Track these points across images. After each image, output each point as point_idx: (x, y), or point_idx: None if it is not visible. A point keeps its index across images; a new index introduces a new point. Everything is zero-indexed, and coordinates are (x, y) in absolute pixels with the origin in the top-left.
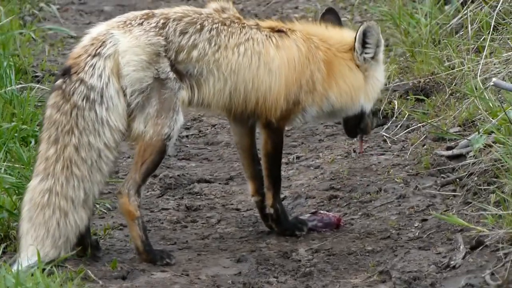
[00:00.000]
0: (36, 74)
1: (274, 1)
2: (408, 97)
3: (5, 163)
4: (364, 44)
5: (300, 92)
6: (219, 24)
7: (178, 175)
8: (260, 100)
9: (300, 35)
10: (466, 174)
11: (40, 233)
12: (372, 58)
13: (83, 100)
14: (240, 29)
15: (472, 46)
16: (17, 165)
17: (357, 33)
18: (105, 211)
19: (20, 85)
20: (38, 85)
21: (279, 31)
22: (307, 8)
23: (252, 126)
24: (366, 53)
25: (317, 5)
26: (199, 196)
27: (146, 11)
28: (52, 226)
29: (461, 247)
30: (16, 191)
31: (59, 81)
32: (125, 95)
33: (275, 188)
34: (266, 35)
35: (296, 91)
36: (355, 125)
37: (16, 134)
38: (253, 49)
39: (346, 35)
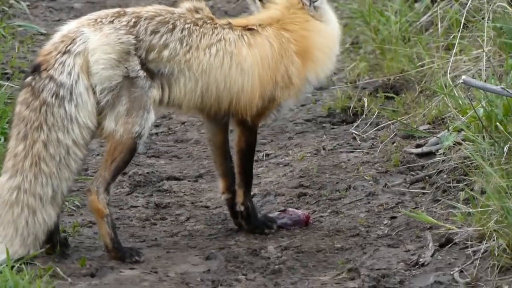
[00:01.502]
0: (6, 71)
1: None
2: (377, 94)
3: None
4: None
5: (276, 89)
6: (191, 25)
7: (147, 173)
8: (233, 100)
9: (271, 30)
10: (436, 172)
11: (9, 231)
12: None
13: (52, 96)
14: (212, 29)
15: (442, 43)
16: None
17: None
18: (74, 208)
19: None
20: (7, 83)
21: (251, 29)
22: None
23: (226, 124)
24: (313, 1)
25: None
26: (168, 194)
27: (118, 9)
28: (20, 224)
29: (430, 245)
30: None
31: (29, 78)
32: (94, 92)
33: (246, 185)
34: (239, 35)
35: (271, 89)
36: None
37: None
38: (225, 49)
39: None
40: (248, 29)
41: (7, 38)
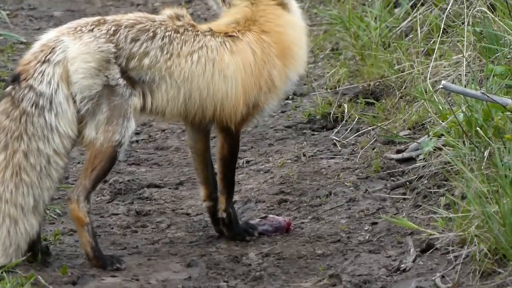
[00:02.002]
0: None
1: None
2: (358, 100)
3: None
4: None
5: (260, 94)
6: (172, 32)
7: (128, 180)
8: (217, 107)
9: (251, 36)
10: (416, 177)
11: None
12: None
13: (32, 106)
14: (194, 36)
15: (422, 49)
16: None
17: None
18: (55, 216)
19: None
20: None
21: (232, 36)
22: None
23: (208, 131)
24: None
25: None
26: (149, 201)
27: (98, 17)
28: (2, 234)
29: (411, 250)
30: None
31: (9, 88)
32: (74, 101)
33: (228, 192)
34: (220, 41)
35: (255, 95)
36: None
37: None
38: (207, 56)
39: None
40: (229, 35)
41: None
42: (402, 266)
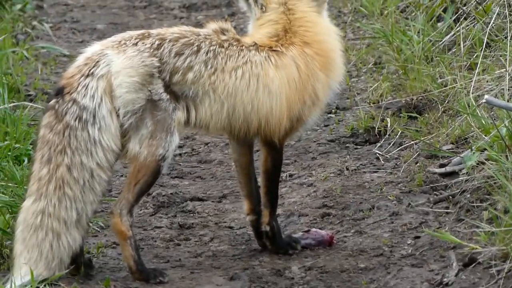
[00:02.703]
0: (29, 92)
1: None
2: (400, 114)
3: None
4: None
5: (304, 108)
6: (217, 46)
7: (171, 193)
8: (262, 122)
9: (295, 51)
10: (459, 191)
11: (34, 255)
12: None
13: (75, 120)
14: (239, 51)
15: (465, 63)
16: (10, 184)
17: None
18: (98, 229)
19: (13, 104)
20: (31, 104)
21: (276, 50)
22: None
23: (251, 144)
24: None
25: None
26: (192, 214)
27: (142, 31)
28: (45, 248)
29: (454, 264)
30: (10, 210)
31: (52, 101)
32: (118, 115)
33: (272, 205)
34: (265, 56)
35: (299, 109)
36: None
37: (9, 153)
38: (251, 72)
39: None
40: (274, 50)
41: (30, 59)
42: (444, 280)
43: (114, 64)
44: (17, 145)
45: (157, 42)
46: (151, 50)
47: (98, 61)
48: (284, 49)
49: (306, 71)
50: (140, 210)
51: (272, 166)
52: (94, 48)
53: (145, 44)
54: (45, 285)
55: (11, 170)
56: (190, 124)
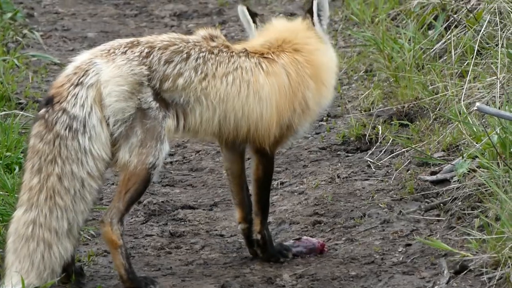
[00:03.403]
0: (20, 101)
1: None
2: (392, 122)
3: None
4: (318, 16)
5: (294, 116)
6: (206, 53)
7: (162, 202)
8: (252, 128)
9: (286, 57)
10: (450, 199)
11: (25, 265)
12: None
13: (65, 129)
14: (229, 58)
15: (456, 70)
16: (1, 193)
17: (312, 7)
18: (89, 237)
19: (3, 112)
20: (22, 112)
21: (267, 57)
22: None
23: (242, 152)
24: (322, 24)
25: None
26: (183, 222)
27: (132, 39)
28: (36, 258)
29: (445, 272)
30: (1, 219)
31: (42, 111)
32: (108, 124)
33: (263, 214)
34: (255, 62)
35: (289, 116)
36: None
37: (0, 162)
38: (242, 78)
39: (289, 24)
40: (264, 57)
41: (21, 68)
42: (436, 287)
43: (103, 73)
44: (8, 154)
45: (146, 50)
46: (140, 59)
47: (87, 70)
48: (276, 57)
49: (297, 78)
50: (131, 218)
51: (263, 174)
52: (83, 57)
53: (134, 53)
54: None
55: (2, 178)
56: (179, 130)
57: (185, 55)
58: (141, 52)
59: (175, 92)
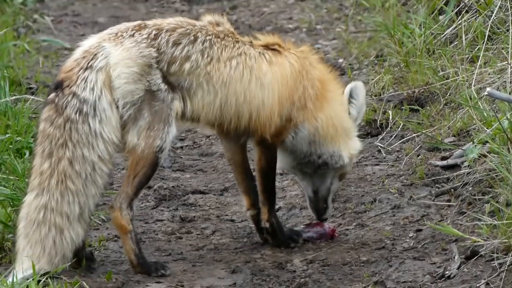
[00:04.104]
0: (30, 85)
1: (268, 12)
2: (402, 107)
3: None
4: (349, 101)
5: (293, 109)
6: (213, 36)
7: (172, 186)
8: (253, 115)
9: (294, 53)
10: (461, 184)
11: (36, 250)
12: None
13: (76, 113)
14: (234, 43)
15: (467, 56)
16: (11, 177)
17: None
18: (99, 222)
19: (14, 97)
20: (32, 97)
21: (273, 49)
22: (301, 18)
23: (244, 143)
24: (349, 111)
25: (311, 16)
26: (193, 207)
27: (139, 22)
28: (48, 243)
29: (456, 257)
30: (11, 203)
31: (52, 95)
32: (117, 107)
33: (270, 202)
34: (260, 52)
35: (288, 107)
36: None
37: (10, 146)
38: (245, 63)
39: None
40: (270, 48)
41: (31, 53)
42: (446, 273)
43: (112, 56)
44: (18, 138)
45: (154, 32)
46: (148, 41)
47: (96, 54)
48: (282, 50)
49: (301, 71)
50: (142, 203)
51: (266, 165)
52: (91, 41)
53: (142, 35)
54: (46, 278)
55: (13, 163)
56: (185, 115)
57: (192, 37)
58: (149, 34)
59: (181, 76)
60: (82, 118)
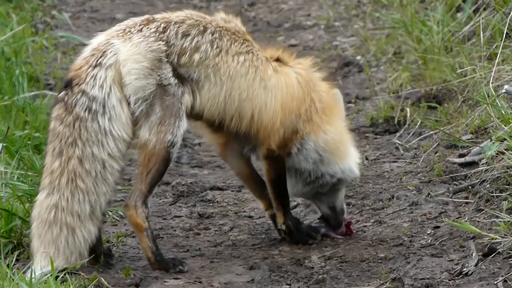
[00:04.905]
0: (48, 82)
1: (286, 8)
2: (420, 104)
3: (18, 171)
4: None
5: (299, 121)
6: (223, 29)
7: (190, 183)
8: (255, 116)
9: (301, 66)
10: (479, 181)
11: (51, 251)
12: None
13: (85, 111)
14: (243, 40)
15: (484, 53)
16: (29, 173)
17: None
18: (117, 218)
19: (32, 93)
20: (50, 93)
21: (279, 60)
22: (319, 15)
23: (248, 157)
24: None
25: (329, 13)
26: (211, 204)
27: (147, 16)
28: (61, 244)
29: (474, 254)
30: (29, 199)
31: (62, 94)
32: (128, 103)
33: (284, 207)
34: (266, 58)
35: (294, 119)
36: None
37: (28, 142)
38: (252, 62)
39: None
40: (276, 59)
41: (49, 49)
42: (464, 270)
43: (121, 53)
44: (36, 134)
45: (162, 26)
46: (157, 34)
47: (105, 51)
48: (288, 62)
49: (307, 83)
50: (160, 199)
51: (276, 176)
52: (99, 39)
53: (150, 29)
54: (65, 274)
55: (31, 159)
56: (194, 108)
57: (202, 28)
58: (157, 28)
59: (190, 68)
60: (91, 116)
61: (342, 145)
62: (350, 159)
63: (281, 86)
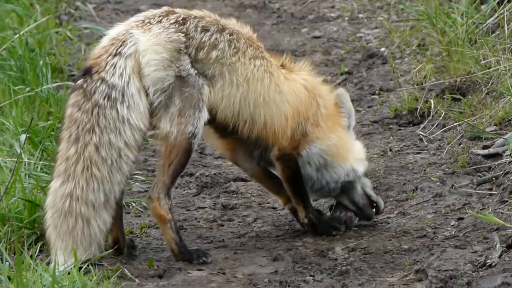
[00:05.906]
0: (72, 73)
1: (310, 0)
2: (444, 96)
3: (41, 162)
4: None
5: (307, 124)
6: (239, 33)
7: (214, 174)
8: (268, 122)
9: (304, 72)
10: (503, 173)
11: (68, 243)
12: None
13: (104, 98)
14: (256, 47)
15: (509, 45)
16: (53, 164)
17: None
18: (141, 209)
19: (56, 84)
20: (74, 84)
21: (282, 66)
22: (343, 7)
23: (258, 161)
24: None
25: (353, 4)
26: (235, 195)
27: (165, 8)
28: (77, 235)
29: (497, 246)
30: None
31: (80, 81)
32: (147, 94)
33: (303, 201)
34: (277, 65)
35: (302, 122)
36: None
37: (52, 133)
38: (267, 67)
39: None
40: (285, 68)
41: (73, 40)
42: (488, 261)
43: (141, 43)
44: (60, 125)
45: (182, 17)
46: (177, 26)
47: (124, 41)
48: (292, 68)
49: (314, 90)
50: (184, 190)
51: (291, 173)
52: (118, 29)
53: (170, 20)
54: (88, 265)
55: (54, 150)
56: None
57: (220, 26)
58: (177, 19)
59: (207, 64)
60: (110, 104)
61: (342, 149)
62: (351, 161)
63: (291, 91)
